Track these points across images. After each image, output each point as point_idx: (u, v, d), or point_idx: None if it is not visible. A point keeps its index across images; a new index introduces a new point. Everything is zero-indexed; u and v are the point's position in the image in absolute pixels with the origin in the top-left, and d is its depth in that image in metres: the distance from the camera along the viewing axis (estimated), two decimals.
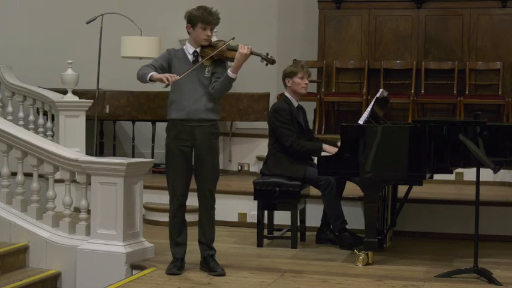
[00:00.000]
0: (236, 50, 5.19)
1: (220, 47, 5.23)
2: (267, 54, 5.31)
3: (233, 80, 5.22)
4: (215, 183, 5.40)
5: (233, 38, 5.25)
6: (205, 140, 5.30)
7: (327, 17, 9.77)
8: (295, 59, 9.40)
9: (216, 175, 5.40)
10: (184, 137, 5.28)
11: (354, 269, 5.54)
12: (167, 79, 5.06)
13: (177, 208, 5.39)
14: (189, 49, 5.32)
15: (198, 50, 5.30)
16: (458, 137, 5.36)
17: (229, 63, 5.31)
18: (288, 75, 6.34)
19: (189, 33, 5.33)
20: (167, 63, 5.30)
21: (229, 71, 5.20)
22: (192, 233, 5.50)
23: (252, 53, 5.19)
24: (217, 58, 5.29)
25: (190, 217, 5.57)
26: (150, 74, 5.16)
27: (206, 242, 5.39)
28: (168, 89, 5.35)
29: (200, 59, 5.28)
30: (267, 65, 5.33)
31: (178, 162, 5.31)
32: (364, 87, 9.38)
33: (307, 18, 10.27)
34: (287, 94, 6.38)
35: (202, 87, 5.28)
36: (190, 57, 5.30)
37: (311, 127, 7.30)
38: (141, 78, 5.26)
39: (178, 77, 5.10)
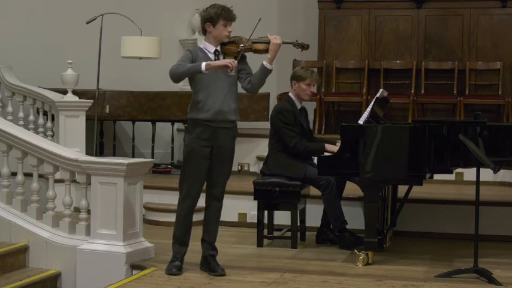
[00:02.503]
0: (263, 42, 5.22)
1: (245, 43, 5.21)
2: (297, 40, 5.36)
3: (270, 71, 5.21)
4: (226, 184, 5.43)
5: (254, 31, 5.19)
6: (227, 141, 5.30)
7: (327, 17, 9.78)
8: (295, 59, 9.40)
9: (229, 176, 5.43)
10: (207, 138, 5.25)
11: (354, 269, 5.54)
12: (231, 64, 5.01)
13: (190, 209, 5.36)
14: (209, 48, 5.27)
15: (218, 48, 5.28)
16: (458, 137, 5.36)
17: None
18: (296, 77, 6.33)
19: (207, 31, 5.27)
20: (191, 63, 5.23)
21: (266, 63, 5.18)
22: (193, 233, 5.49)
23: (282, 42, 5.22)
24: (244, 53, 5.28)
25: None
26: (203, 63, 5.05)
27: (210, 242, 5.40)
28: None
29: (221, 57, 5.25)
30: (302, 51, 5.41)
31: (199, 162, 5.27)
32: (364, 87, 9.39)
33: (307, 18, 10.26)
34: (291, 95, 6.38)
35: (228, 87, 5.25)
36: (212, 56, 5.25)
37: (311, 127, 7.29)
38: (186, 72, 5.12)
39: (236, 61, 5.08)
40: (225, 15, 5.22)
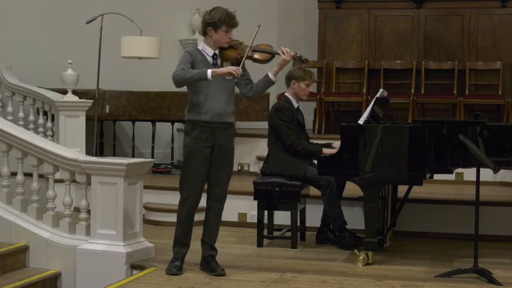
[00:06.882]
0: (263, 52, 5.31)
1: (245, 51, 5.23)
2: (296, 53, 5.36)
3: (274, 83, 5.32)
4: (228, 184, 5.44)
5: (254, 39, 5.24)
6: (226, 141, 5.32)
7: (327, 17, 9.78)
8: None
9: (230, 176, 5.44)
10: (206, 138, 5.26)
11: (354, 269, 5.54)
12: (235, 72, 5.06)
13: (191, 210, 5.36)
14: (208, 51, 5.28)
15: (216, 52, 5.30)
16: (458, 137, 5.36)
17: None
18: (296, 77, 6.33)
19: (208, 35, 5.27)
20: (191, 66, 5.23)
21: (271, 75, 5.27)
22: (193, 233, 5.48)
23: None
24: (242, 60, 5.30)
25: None
26: (209, 71, 5.06)
27: (210, 242, 5.40)
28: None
29: (219, 61, 5.28)
30: (301, 64, 5.45)
31: (199, 162, 5.27)
32: (364, 87, 9.38)
33: (307, 18, 10.27)
34: (288, 95, 6.39)
35: (225, 90, 5.27)
36: (210, 60, 5.27)
37: (311, 127, 7.30)
38: (192, 79, 5.12)
39: (240, 68, 5.13)
40: (229, 21, 5.23)
